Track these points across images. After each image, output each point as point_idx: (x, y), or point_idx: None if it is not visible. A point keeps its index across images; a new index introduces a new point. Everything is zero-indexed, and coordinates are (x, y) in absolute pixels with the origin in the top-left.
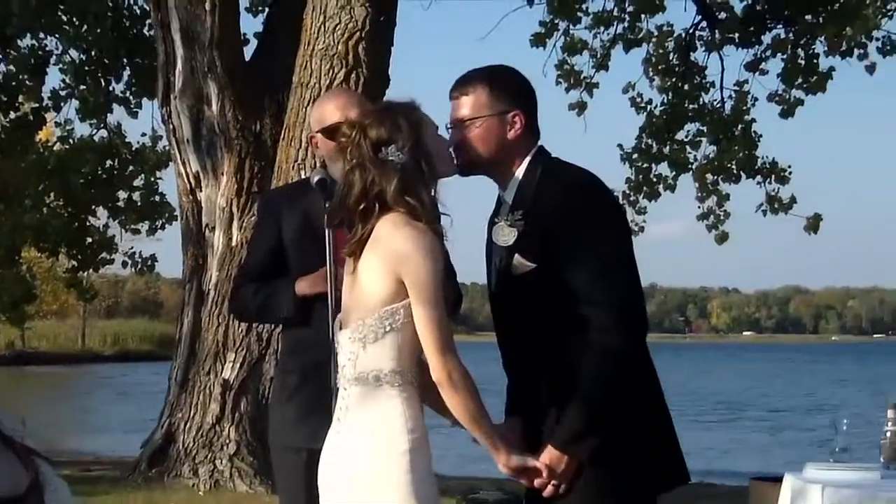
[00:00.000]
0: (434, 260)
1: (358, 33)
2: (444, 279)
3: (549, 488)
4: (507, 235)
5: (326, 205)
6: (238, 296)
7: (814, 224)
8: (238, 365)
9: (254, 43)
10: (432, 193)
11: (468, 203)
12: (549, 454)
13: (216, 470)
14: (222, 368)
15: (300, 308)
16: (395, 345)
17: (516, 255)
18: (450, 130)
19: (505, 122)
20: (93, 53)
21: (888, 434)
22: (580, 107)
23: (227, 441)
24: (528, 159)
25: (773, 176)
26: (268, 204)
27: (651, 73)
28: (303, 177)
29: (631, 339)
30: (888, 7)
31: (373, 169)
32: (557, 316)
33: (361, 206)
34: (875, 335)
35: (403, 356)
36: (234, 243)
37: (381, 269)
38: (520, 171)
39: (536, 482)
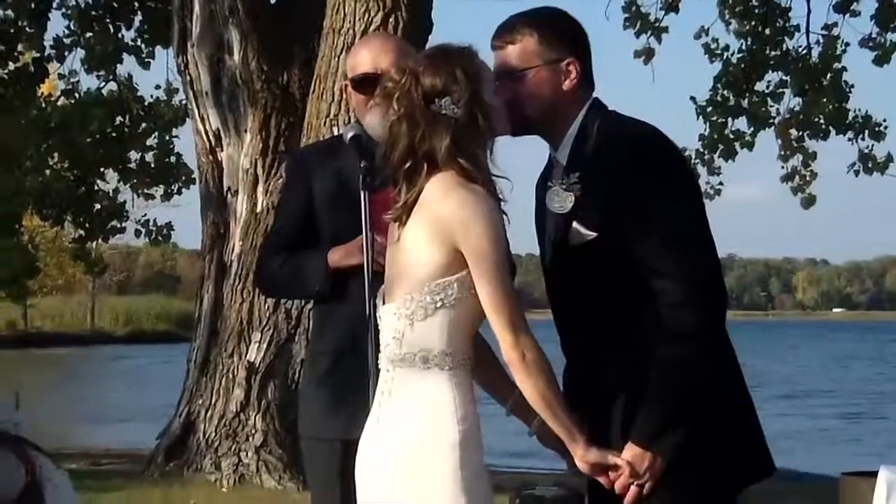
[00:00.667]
0: (495, 227)
1: None
2: (508, 249)
3: (633, 489)
4: (563, 201)
5: (362, 164)
6: (264, 268)
7: None
8: (264, 346)
9: None
10: (488, 154)
11: (519, 163)
12: (631, 451)
13: (241, 463)
14: (247, 350)
15: (333, 281)
16: (447, 323)
17: (574, 224)
18: (496, 84)
19: (559, 71)
20: None
21: None
22: (647, 54)
23: (253, 431)
24: (583, 112)
25: (866, 131)
26: (297, 164)
27: (727, 16)
28: (335, 133)
29: (709, 315)
30: None
31: (423, 122)
32: (623, 292)
33: (408, 164)
34: None
35: (456, 335)
36: (259, 209)
37: (432, 238)
38: (574, 127)
39: (618, 484)
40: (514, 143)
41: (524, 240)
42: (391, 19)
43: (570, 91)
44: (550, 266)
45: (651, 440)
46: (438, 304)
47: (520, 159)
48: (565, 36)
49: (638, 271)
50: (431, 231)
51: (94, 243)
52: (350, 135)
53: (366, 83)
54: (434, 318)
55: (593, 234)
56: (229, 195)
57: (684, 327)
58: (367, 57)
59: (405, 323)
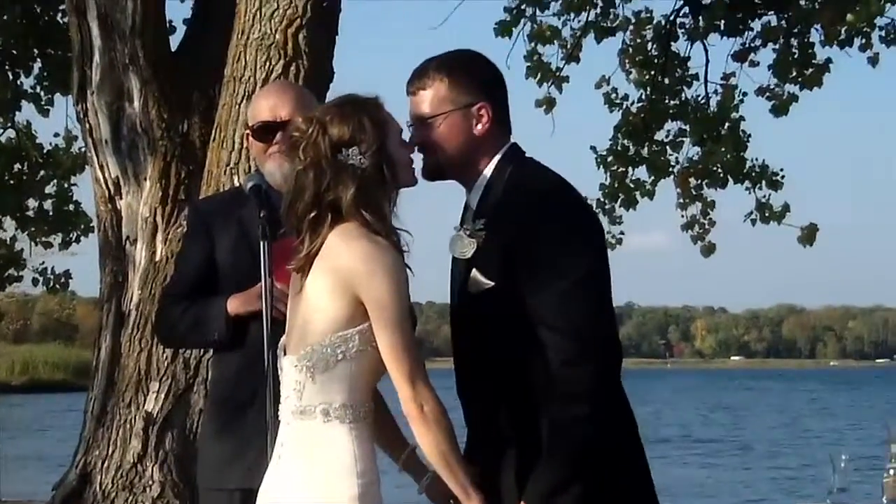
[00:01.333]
0: (397, 279)
1: (298, 20)
2: (410, 301)
3: None
4: (465, 247)
5: (262, 214)
6: (163, 316)
7: (809, 235)
8: (162, 396)
9: (181, 31)
10: (392, 205)
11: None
12: None
13: None
14: (145, 400)
15: (233, 329)
16: (348, 376)
17: (473, 271)
18: (410, 129)
19: (470, 116)
20: None
21: (891, 472)
22: (548, 103)
23: (151, 482)
24: (497, 158)
25: (763, 181)
26: (199, 214)
27: (627, 66)
28: (236, 183)
29: (603, 373)
30: None
31: (329, 172)
32: (518, 342)
33: (312, 214)
34: (878, 360)
35: (357, 388)
36: (158, 258)
37: (334, 289)
38: (487, 172)
39: None
40: (419, 189)
41: (424, 287)
42: (292, 67)
43: (482, 136)
44: (452, 311)
45: (545, 500)
46: (340, 357)
47: (422, 205)
48: (477, 79)
49: (533, 324)
50: (333, 282)
51: None
52: (250, 185)
53: (265, 131)
54: (335, 371)
55: (490, 283)
56: (128, 244)
57: (576, 387)
58: (266, 105)
59: (306, 375)
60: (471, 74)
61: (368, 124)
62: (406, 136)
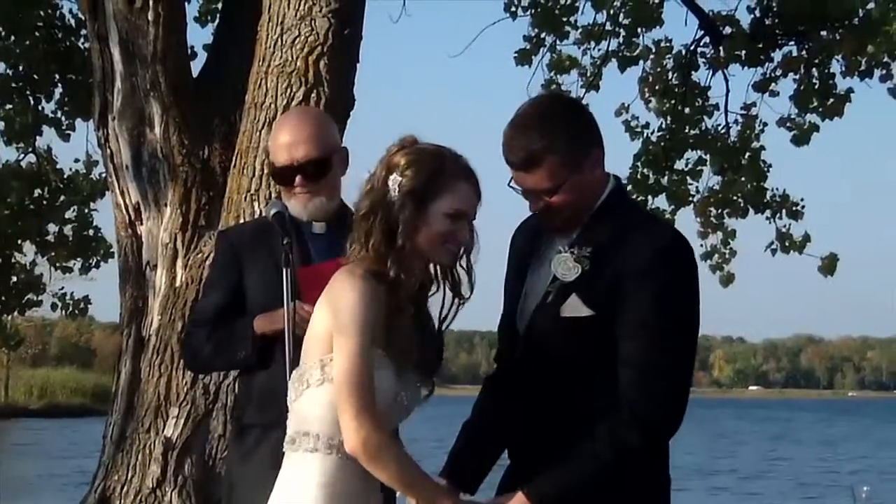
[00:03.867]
0: (362, 304)
1: (319, 48)
2: (380, 332)
3: None
4: (569, 270)
5: (284, 241)
6: (189, 341)
7: (829, 265)
8: (182, 421)
9: (202, 57)
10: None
11: None
12: (518, 499)
13: None
14: (164, 425)
15: (259, 348)
16: (323, 403)
17: (573, 295)
18: (526, 196)
19: (585, 169)
20: (20, 68)
21: None
22: None
23: None
24: (605, 195)
25: (784, 211)
26: (227, 242)
27: (647, 95)
28: (256, 209)
29: (652, 443)
30: None
31: (378, 194)
32: (591, 377)
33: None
34: None
35: (335, 420)
36: (178, 283)
37: (325, 312)
38: (595, 205)
39: None
40: None
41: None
42: (313, 94)
43: (598, 176)
44: (530, 324)
45: (541, 500)
46: (321, 379)
47: None
48: (579, 133)
49: (613, 365)
50: (325, 305)
51: (10, 316)
52: (273, 212)
53: (284, 176)
54: (317, 392)
55: (590, 313)
56: (148, 269)
57: (628, 442)
58: (283, 146)
59: (296, 393)
60: (573, 132)
61: (427, 167)
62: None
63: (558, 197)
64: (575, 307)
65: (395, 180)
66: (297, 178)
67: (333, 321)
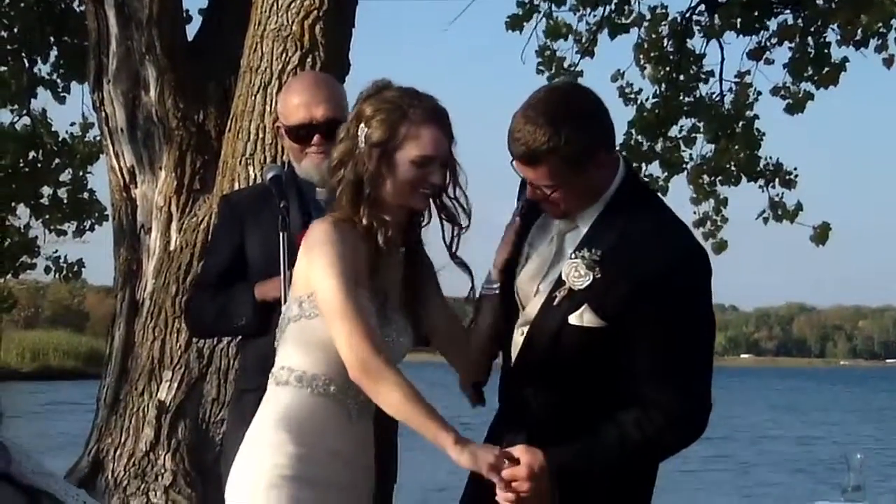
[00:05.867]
0: (333, 244)
1: (315, 12)
2: (361, 274)
3: (508, 493)
4: (580, 278)
5: (281, 204)
6: (192, 306)
7: (822, 234)
8: (175, 385)
9: (197, 21)
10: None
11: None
12: (534, 454)
13: (149, 502)
14: (158, 389)
15: (259, 315)
16: (303, 340)
17: (585, 306)
18: (527, 184)
19: (588, 170)
20: (15, 30)
21: None
22: None
23: (163, 471)
24: (615, 186)
25: (777, 179)
26: (230, 206)
27: (642, 61)
28: (251, 173)
29: (685, 443)
30: None
31: (349, 142)
32: (591, 379)
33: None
34: (888, 360)
35: (309, 352)
36: (172, 247)
37: (303, 260)
38: (605, 197)
39: (506, 472)
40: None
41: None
42: (309, 59)
43: (605, 172)
44: (534, 332)
45: (560, 464)
46: (297, 316)
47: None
48: (588, 133)
49: (630, 376)
50: (303, 252)
51: (3, 279)
52: (270, 175)
53: (301, 132)
54: (294, 327)
55: (603, 324)
56: (142, 232)
57: (662, 441)
58: (301, 104)
59: (279, 332)
60: (581, 133)
61: (390, 116)
62: (433, 172)
63: (557, 194)
64: (587, 317)
65: (362, 130)
66: (316, 137)
67: (310, 266)
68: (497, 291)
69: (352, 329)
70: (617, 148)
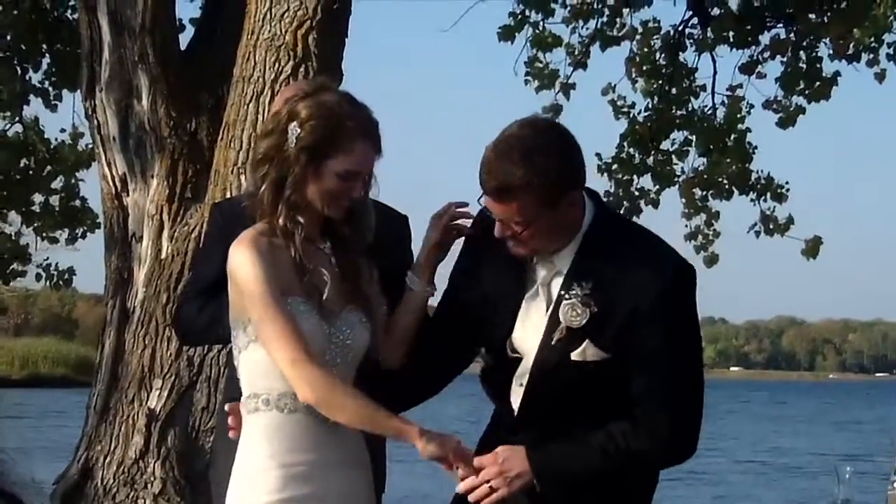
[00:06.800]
0: (252, 266)
1: (308, 22)
2: (291, 281)
3: (483, 487)
4: (578, 316)
5: None
6: (181, 313)
7: (813, 248)
8: (166, 393)
9: (190, 30)
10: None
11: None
12: (518, 452)
13: None
14: (148, 397)
15: None
16: (251, 361)
17: (587, 342)
18: (496, 221)
19: (559, 208)
20: (7, 37)
21: (895, 484)
22: (555, 110)
23: (152, 478)
24: (587, 222)
25: (768, 193)
26: (222, 215)
27: (634, 74)
28: (244, 182)
29: (667, 461)
30: None
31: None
32: (597, 407)
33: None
34: (878, 374)
35: (262, 375)
36: (163, 255)
37: (230, 283)
38: (579, 235)
39: (486, 472)
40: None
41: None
42: (301, 69)
43: (571, 215)
44: (533, 367)
45: (540, 463)
46: (245, 344)
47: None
48: (561, 177)
49: (627, 402)
50: (229, 274)
51: None
52: None
53: None
54: (246, 354)
55: (606, 356)
56: (134, 240)
57: (647, 459)
58: None
59: (236, 361)
60: (555, 172)
61: (327, 124)
62: (365, 185)
63: (527, 231)
64: (590, 352)
65: (293, 130)
66: None
67: (237, 292)
68: (431, 295)
69: (292, 355)
70: (608, 160)
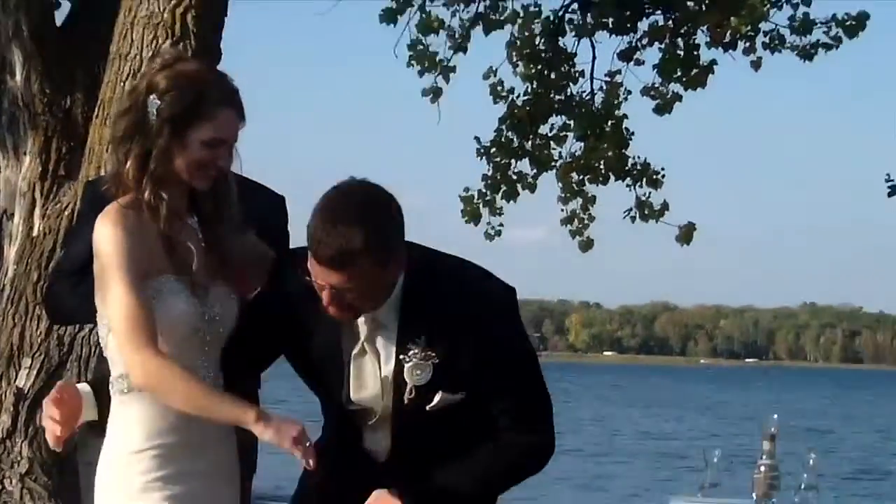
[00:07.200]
0: (114, 244)
1: (187, 1)
2: (157, 259)
3: None
4: (422, 373)
5: None
6: (53, 292)
7: (686, 234)
8: (35, 372)
9: (67, 6)
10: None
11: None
12: (387, 499)
13: (4, 490)
14: (16, 375)
15: None
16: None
17: (440, 393)
18: (314, 282)
19: (389, 269)
20: None
21: (762, 468)
22: (434, 93)
23: (19, 458)
24: (402, 275)
25: (644, 179)
26: (95, 194)
27: (515, 59)
28: None
29: (530, 472)
30: None
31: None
32: (465, 440)
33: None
34: (748, 359)
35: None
36: (35, 233)
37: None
38: (398, 290)
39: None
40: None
41: None
42: (179, 47)
43: (399, 268)
44: (392, 431)
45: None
46: (105, 325)
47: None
48: (393, 236)
49: (489, 425)
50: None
51: None
52: None
53: None
54: (112, 339)
55: (460, 396)
56: (5, 218)
57: (527, 468)
58: None
59: (103, 341)
60: (387, 233)
61: (188, 93)
62: (229, 156)
63: (356, 296)
64: (444, 398)
65: (153, 103)
66: None
67: (100, 266)
68: None
69: (138, 342)
70: (486, 144)
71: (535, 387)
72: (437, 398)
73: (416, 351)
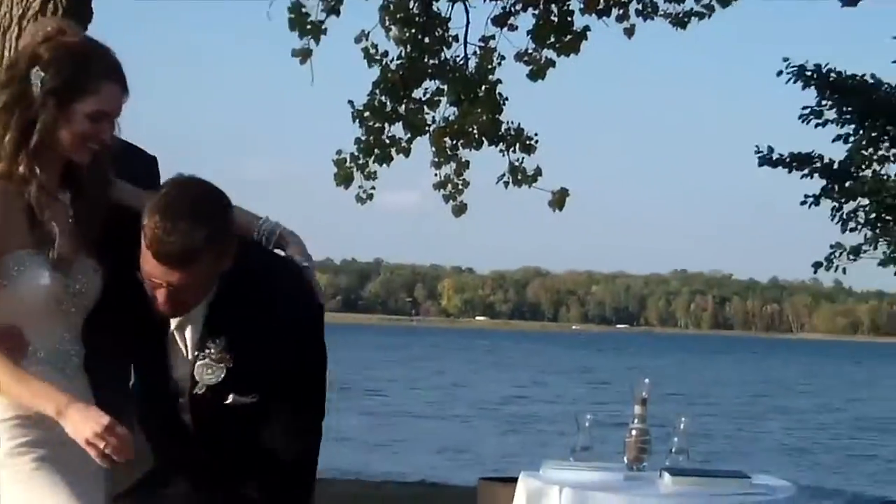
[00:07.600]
0: None
1: None
2: (20, 233)
3: None
4: (213, 373)
5: None
6: None
7: (559, 200)
8: None
9: None
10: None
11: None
12: None
13: None
14: None
15: None
16: None
17: (231, 395)
18: (148, 281)
19: (223, 262)
20: None
21: (633, 432)
22: (304, 54)
23: None
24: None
25: (517, 144)
26: None
27: (388, 22)
28: None
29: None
30: None
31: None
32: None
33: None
34: (619, 325)
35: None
36: None
37: None
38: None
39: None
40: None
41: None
42: (50, 5)
43: (227, 264)
44: (192, 415)
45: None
46: None
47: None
48: (231, 227)
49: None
50: None
51: None
52: None
53: None
54: None
55: (253, 398)
56: None
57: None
58: None
59: None
60: (226, 227)
61: (72, 66)
62: (111, 127)
63: (192, 293)
64: (236, 399)
65: (37, 75)
66: None
67: None
68: None
69: None
70: (360, 108)
71: (312, 404)
72: (230, 397)
73: (213, 351)
